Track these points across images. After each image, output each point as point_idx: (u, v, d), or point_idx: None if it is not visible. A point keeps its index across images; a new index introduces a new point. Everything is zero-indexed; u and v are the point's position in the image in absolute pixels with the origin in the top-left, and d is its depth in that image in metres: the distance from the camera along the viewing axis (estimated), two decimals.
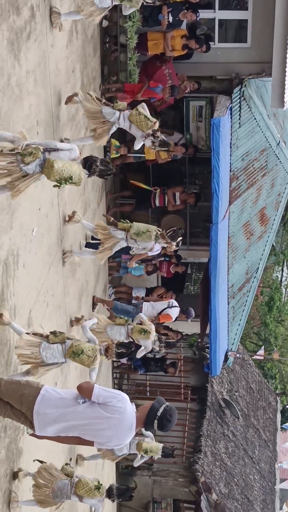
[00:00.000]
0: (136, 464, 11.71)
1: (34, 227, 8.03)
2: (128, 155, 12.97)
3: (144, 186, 13.84)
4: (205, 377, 16.49)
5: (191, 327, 15.57)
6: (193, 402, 16.34)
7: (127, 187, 14.44)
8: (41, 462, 7.83)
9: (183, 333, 14.58)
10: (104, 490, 8.61)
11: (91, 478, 8.31)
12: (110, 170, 8.49)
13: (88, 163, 8.00)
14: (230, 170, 12.66)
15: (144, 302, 12.64)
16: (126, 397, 5.69)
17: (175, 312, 12.37)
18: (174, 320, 12.64)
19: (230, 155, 12.54)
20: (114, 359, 9.80)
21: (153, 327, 10.42)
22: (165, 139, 9.88)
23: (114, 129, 9.42)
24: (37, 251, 8.25)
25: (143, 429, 10.93)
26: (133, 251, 10.31)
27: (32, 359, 7.26)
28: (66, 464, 8.37)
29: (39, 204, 8.25)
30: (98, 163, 8.14)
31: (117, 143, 12.51)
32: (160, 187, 13.91)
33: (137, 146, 9.94)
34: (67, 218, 9.70)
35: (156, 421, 5.59)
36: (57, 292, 9.40)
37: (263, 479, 17.74)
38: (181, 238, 10.32)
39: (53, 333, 7.51)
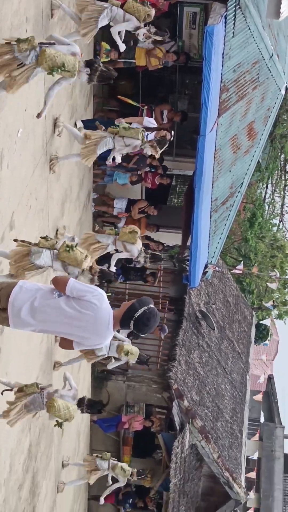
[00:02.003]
0: (110, 366, 11.93)
1: (20, 128, 7.90)
2: (118, 60, 12.67)
3: (132, 103, 13.53)
4: (183, 288, 16.70)
5: (173, 239, 15.64)
6: (171, 312, 16.61)
7: (115, 98, 14.14)
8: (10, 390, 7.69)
9: (165, 244, 14.68)
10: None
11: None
12: (112, 74, 8.34)
13: (89, 63, 7.88)
14: (221, 81, 12.40)
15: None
16: (103, 293, 5.41)
17: None
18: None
19: (222, 66, 12.26)
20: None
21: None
22: (158, 33, 9.73)
23: (104, 21, 9.18)
24: (21, 153, 8.14)
25: (120, 335, 11.21)
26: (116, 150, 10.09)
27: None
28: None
29: (26, 105, 8.09)
30: (100, 64, 8.03)
31: (108, 47, 12.18)
32: (147, 104, 13.65)
33: (120, 27, 9.69)
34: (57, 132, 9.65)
35: (132, 322, 5.29)
36: (41, 195, 9.34)
37: (234, 389, 18.24)
38: (167, 146, 10.28)
39: (44, 237, 7.63)
